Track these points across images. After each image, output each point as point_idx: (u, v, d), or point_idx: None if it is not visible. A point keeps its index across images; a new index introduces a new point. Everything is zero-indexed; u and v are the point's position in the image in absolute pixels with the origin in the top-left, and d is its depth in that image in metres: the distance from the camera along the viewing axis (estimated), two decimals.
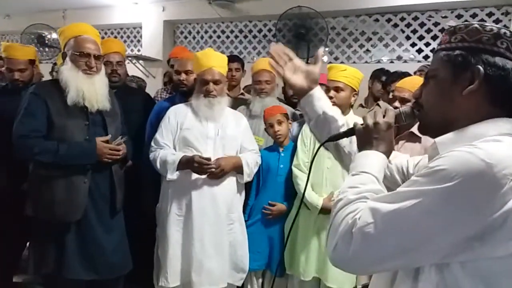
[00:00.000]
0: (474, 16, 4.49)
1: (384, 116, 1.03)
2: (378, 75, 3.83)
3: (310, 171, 1.20)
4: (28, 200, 2.27)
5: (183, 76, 2.75)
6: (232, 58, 3.32)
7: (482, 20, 4.45)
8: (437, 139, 0.91)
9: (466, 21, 4.55)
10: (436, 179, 0.76)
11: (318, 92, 1.25)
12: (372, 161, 0.98)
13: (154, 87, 4.63)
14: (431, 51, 4.72)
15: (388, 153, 1.02)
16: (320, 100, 1.24)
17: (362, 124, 1.05)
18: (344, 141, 1.21)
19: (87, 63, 2.17)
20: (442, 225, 0.75)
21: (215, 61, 2.44)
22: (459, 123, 0.88)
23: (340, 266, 0.85)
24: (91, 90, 2.17)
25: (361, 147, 1.03)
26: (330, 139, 1.13)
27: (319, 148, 1.14)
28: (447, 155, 0.79)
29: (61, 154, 2.08)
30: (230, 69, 3.18)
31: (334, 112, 1.25)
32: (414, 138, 2.17)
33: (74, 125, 2.16)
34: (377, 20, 5.05)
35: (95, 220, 2.22)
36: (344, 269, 0.85)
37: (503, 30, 0.88)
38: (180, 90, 2.81)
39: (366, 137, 1.03)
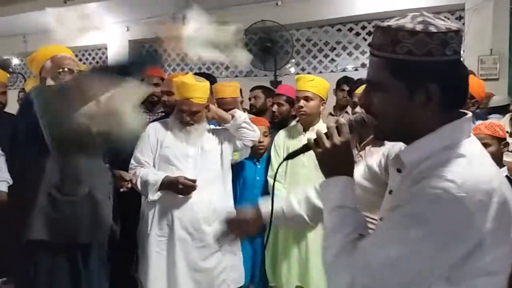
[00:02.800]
0: None
1: (339, 133, 1.00)
2: (339, 83, 3.94)
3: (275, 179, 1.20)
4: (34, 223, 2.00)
5: (165, 97, 2.76)
6: (209, 77, 3.37)
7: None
8: (401, 155, 0.93)
9: None
10: (416, 222, 0.81)
11: None
12: (343, 189, 0.97)
13: None
14: None
15: (352, 170, 1.02)
16: None
17: (316, 141, 1.02)
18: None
19: None
20: (430, 262, 0.82)
21: (193, 92, 2.37)
22: (416, 132, 0.90)
23: None
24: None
25: (326, 172, 1.01)
26: (288, 157, 1.13)
27: (280, 164, 1.18)
28: (422, 195, 0.82)
29: None
30: None
31: None
32: (378, 142, 2.23)
33: None
34: (339, 30, 5.21)
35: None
36: None
37: (450, 34, 0.85)
38: (165, 111, 2.85)
39: (328, 161, 1.00)
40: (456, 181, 0.80)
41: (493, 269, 0.85)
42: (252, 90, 3.68)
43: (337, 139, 0.99)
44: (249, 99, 3.61)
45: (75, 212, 1.97)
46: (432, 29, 0.84)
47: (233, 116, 2.47)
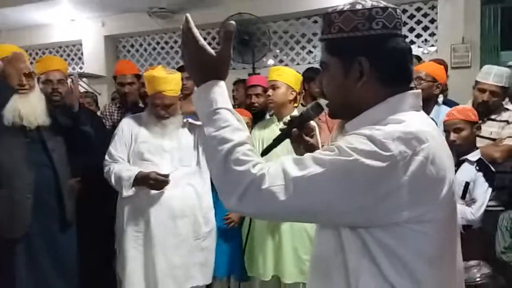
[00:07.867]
0: (404, 11, 4.75)
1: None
2: (307, 75, 3.92)
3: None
4: None
5: (127, 88, 2.87)
6: (182, 68, 3.40)
7: (412, 15, 4.73)
8: (346, 126, 0.98)
9: None
10: (339, 153, 0.83)
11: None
12: (219, 92, 0.95)
13: (100, 103, 4.54)
14: None
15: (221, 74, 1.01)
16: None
17: None
18: None
19: (18, 82, 2.17)
20: (341, 193, 0.82)
21: (165, 85, 2.34)
22: (362, 108, 0.93)
23: (242, 214, 0.86)
24: (27, 108, 2.18)
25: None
26: (268, 150, 1.13)
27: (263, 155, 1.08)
28: (351, 135, 0.87)
29: None
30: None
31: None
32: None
33: (12, 144, 2.15)
34: (315, 21, 5.22)
35: (42, 234, 2.20)
36: (244, 215, 0.86)
37: (375, 10, 0.90)
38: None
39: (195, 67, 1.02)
40: (383, 129, 0.84)
41: (417, 228, 0.84)
42: (234, 83, 3.87)
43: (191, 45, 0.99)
44: (232, 90, 3.77)
45: None
46: (358, 6, 0.91)
47: None
